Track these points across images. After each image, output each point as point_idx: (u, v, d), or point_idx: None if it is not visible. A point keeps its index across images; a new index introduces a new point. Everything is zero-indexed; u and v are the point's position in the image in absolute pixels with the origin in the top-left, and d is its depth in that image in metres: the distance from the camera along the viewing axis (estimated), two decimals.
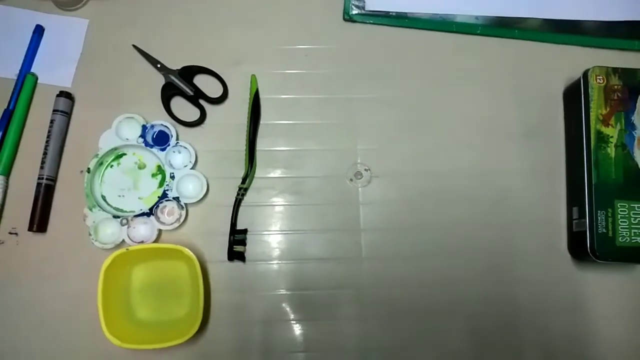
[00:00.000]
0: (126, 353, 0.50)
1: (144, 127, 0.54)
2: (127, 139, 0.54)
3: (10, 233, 0.53)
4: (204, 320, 0.50)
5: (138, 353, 0.51)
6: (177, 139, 0.54)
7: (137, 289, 0.52)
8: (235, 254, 0.53)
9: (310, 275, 0.54)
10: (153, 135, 0.54)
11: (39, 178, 0.53)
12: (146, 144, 0.54)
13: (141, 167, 0.55)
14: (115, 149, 0.54)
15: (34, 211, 0.52)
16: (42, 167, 0.53)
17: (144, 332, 0.51)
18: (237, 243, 0.53)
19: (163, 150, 0.54)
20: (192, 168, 0.54)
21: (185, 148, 0.54)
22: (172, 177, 0.53)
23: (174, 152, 0.54)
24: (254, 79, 0.56)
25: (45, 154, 0.53)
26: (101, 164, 0.54)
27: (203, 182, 0.54)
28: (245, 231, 0.54)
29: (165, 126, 0.54)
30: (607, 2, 0.58)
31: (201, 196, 0.53)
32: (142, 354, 0.51)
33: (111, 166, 0.55)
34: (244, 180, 0.54)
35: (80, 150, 0.54)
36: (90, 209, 0.52)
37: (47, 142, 0.54)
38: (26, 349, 0.51)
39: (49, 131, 0.54)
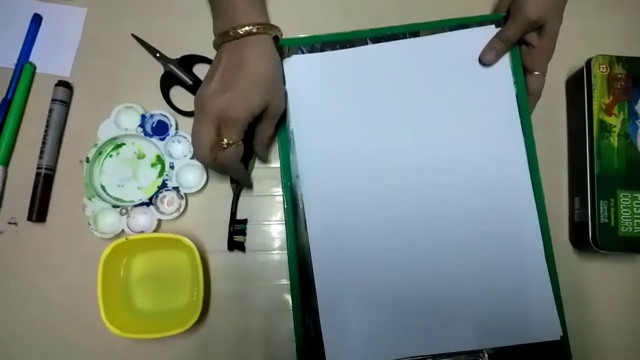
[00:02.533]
0: (126, 342, 0.50)
1: (143, 117, 0.54)
2: (126, 129, 0.53)
3: (10, 223, 0.53)
4: (203, 310, 0.50)
5: (138, 342, 0.51)
6: (177, 128, 0.54)
7: (136, 279, 0.52)
8: (235, 244, 0.53)
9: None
10: (152, 125, 0.54)
11: (37, 168, 0.53)
12: (145, 133, 0.53)
13: (140, 156, 0.55)
14: (115, 138, 0.54)
15: (33, 201, 0.52)
16: (41, 157, 0.53)
17: (143, 322, 0.51)
18: (237, 233, 0.53)
19: (162, 140, 0.53)
20: (192, 158, 0.54)
21: (185, 138, 0.54)
22: (172, 167, 0.53)
23: (173, 141, 0.54)
24: None
25: (44, 143, 0.53)
26: (100, 153, 0.54)
27: (203, 172, 0.53)
28: (245, 221, 0.54)
29: (165, 116, 0.54)
30: None
31: (201, 186, 0.53)
32: (141, 344, 0.51)
33: (110, 156, 0.54)
34: None
35: (79, 140, 0.54)
36: (90, 199, 0.52)
37: (45, 131, 0.53)
38: (26, 338, 0.51)
39: (47, 121, 0.54)
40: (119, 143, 0.55)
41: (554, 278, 0.51)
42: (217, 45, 0.46)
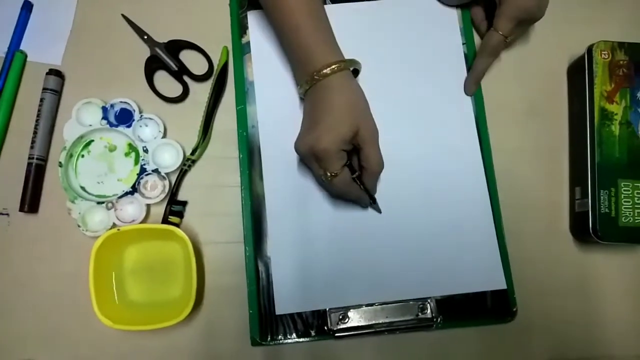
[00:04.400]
0: (118, 334, 0.49)
1: (104, 109, 0.52)
2: (90, 125, 0.52)
3: (1, 214, 0.52)
4: (198, 301, 0.50)
5: (130, 334, 0.50)
6: (141, 112, 0.53)
7: (129, 270, 0.51)
8: (170, 224, 0.52)
9: None
10: (115, 114, 0.53)
11: (29, 158, 0.52)
12: (110, 124, 0.52)
13: (112, 149, 0.54)
14: (82, 137, 0.53)
15: (24, 191, 0.52)
16: (32, 147, 0.52)
17: (136, 313, 0.50)
18: (173, 214, 0.52)
19: (129, 127, 0.53)
20: (163, 137, 0.53)
21: (152, 119, 0.53)
22: (146, 151, 0.52)
23: (140, 126, 0.53)
24: (224, 50, 0.55)
25: (35, 133, 0.52)
26: (71, 155, 0.53)
27: (178, 149, 0.53)
28: (184, 203, 0.53)
29: (126, 102, 0.53)
30: None
31: (179, 163, 0.52)
32: (134, 335, 0.51)
33: (82, 156, 0.53)
34: (193, 152, 0.53)
35: None
36: (73, 202, 0.51)
37: (37, 121, 0.53)
38: (17, 330, 0.51)
39: (38, 110, 0.53)
40: (87, 141, 0.54)
41: (499, 231, 0.52)
42: (304, 92, 0.49)
